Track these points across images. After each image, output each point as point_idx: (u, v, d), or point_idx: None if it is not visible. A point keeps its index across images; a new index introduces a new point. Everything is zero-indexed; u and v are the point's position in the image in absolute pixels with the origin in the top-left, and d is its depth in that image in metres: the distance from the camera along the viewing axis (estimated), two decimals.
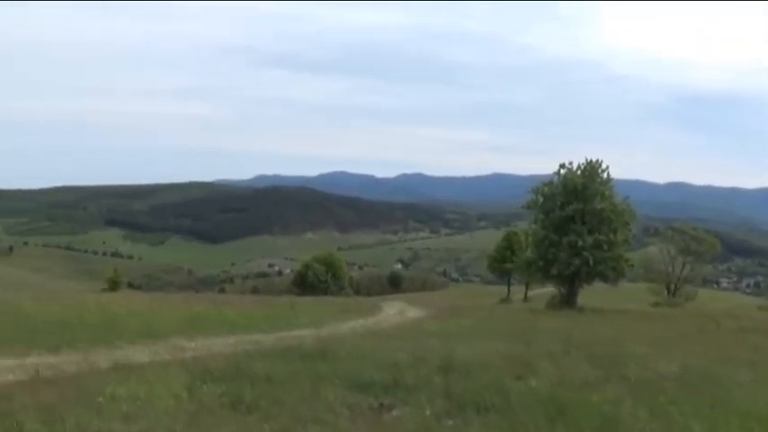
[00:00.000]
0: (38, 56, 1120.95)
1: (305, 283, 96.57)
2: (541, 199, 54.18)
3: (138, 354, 19.17)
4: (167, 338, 23.01)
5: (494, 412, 12.19)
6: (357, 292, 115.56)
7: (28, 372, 15.02)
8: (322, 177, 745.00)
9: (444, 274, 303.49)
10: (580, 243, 50.63)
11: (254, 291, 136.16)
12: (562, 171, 53.74)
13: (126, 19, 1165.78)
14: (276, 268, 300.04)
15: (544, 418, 11.80)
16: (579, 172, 52.93)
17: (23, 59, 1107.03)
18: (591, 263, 50.99)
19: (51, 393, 12.29)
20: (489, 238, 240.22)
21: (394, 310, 46.26)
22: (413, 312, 45.21)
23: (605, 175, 53.30)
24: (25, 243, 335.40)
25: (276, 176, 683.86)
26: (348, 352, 18.54)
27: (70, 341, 20.17)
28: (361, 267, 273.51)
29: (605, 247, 51.12)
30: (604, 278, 53.75)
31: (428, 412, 12.05)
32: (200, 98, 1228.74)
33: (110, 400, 11.79)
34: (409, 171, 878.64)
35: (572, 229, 51.49)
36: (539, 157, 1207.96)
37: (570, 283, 53.92)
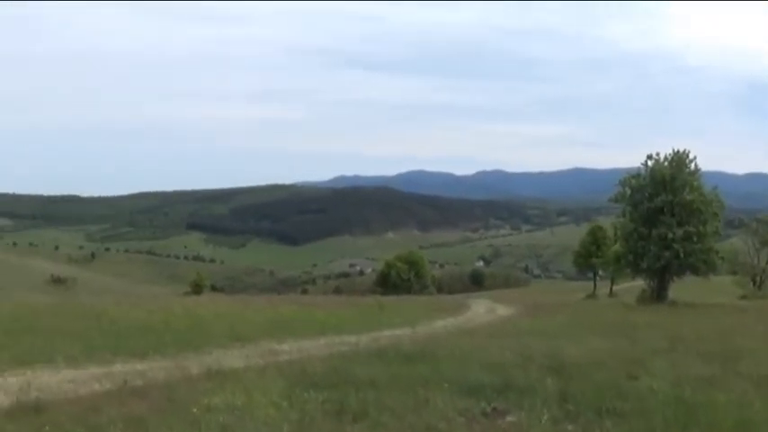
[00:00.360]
0: (118, 64, 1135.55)
1: (388, 283, 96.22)
2: (629, 191, 52.90)
3: (229, 358, 18.49)
4: (256, 341, 22.51)
5: (615, 416, 11.13)
6: (439, 290, 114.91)
7: (115, 381, 14.30)
8: (401, 177, 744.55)
9: (526, 270, 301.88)
10: (670, 235, 49.38)
11: (337, 291, 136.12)
12: (649, 162, 52.38)
13: (203, 24, 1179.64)
14: (358, 268, 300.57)
15: (674, 421, 10.65)
16: (666, 163, 51.50)
17: (105, 68, 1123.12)
18: (681, 255, 49.73)
19: (141, 404, 11.49)
20: (570, 234, 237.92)
21: (482, 309, 45.62)
22: (501, 310, 44.49)
23: (693, 165, 51.91)
24: (107, 249, 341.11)
25: (355, 177, 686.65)
26: (448, 352, 17.61)
27: (157, 347, 19.53)
28: (442, 266, 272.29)
29: (695, 239, 49.76)
30: (695, 271, 52.37)
31: (545, 417, 10.97)
32: (280, 101, 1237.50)
33: (205, 410, 10.89)
34: (488, 168, 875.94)
35: (661, 221, 50.18)
36: (618, 151, 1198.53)
37: (660, 276, 52.44)
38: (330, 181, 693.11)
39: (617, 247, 61.74)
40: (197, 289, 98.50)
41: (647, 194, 51.47)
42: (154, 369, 16.24)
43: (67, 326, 23.13)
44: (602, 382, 13.46)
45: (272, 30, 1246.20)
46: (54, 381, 14.58)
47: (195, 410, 10.79)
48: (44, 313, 26.64)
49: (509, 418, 11.19)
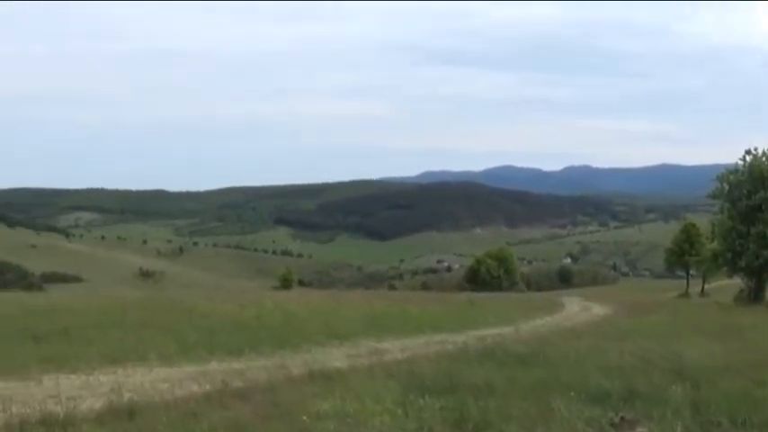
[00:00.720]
0: (208, 62, 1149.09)
1: (477, 279, 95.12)
2: (727, 187, 50.93)
3: (329, 358, 17.78)
4: (353, 339, 21.86)
5: (753, 428, 9.88)
6: (527, 287, 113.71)
7: (213, 381, 13.42)
8: (488, 172, 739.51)
9: (614, 268, 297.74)
10: None
11: (424, 287, 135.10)
12: (747, 158, 50.35)
13: (293, 22, 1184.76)
14: (445, 264, 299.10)
15: None
16: (765, 159, 49.48)
17: (194, 66, 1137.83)
18: None
19: (244, 409, 10.52)
20: (658, 231, 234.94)
21: (576, 307, 44.79)
22: (596, 309, 43.50)
23: None
24: (195, 243, 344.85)
25: (442, 172, 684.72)
26: (561, 355, 16.40)
27: (253, 344, 18.85)
28: (530, 262, 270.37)
29: None
30: None
31: (678, 429, 9.77)
32: (368, 97, 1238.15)
33: (315, 418, 9.85)
34: (576, 163, 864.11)
35: (760, 218, 48.26)
36: (706, 147, 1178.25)
37: (758, 275, 50.51)
38: (417, 176, 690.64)
39: (714, 245, 59.85)
40: (286, 283, 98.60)
41: (745, 191, 49.52)
42: (252, 369, 15.44)
43: (158, 321, 22.55)
44: (732, 390, 12.16)
45: (361, 27, 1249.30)
46: (147, 380, 13.86)
47: (305, 418, 9.77)
48: (134, 307, 26.08)
49: (639, 430, 10.09)
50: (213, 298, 33.58)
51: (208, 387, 13.01)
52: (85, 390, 12.63)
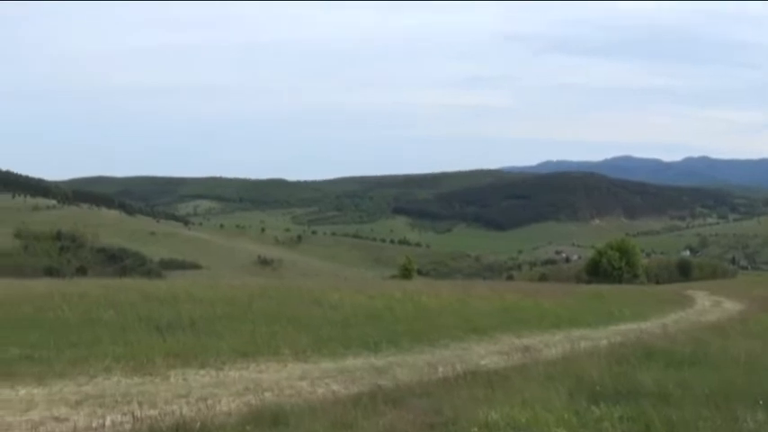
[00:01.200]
0: (325, 54, 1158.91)
1: (598, 271, 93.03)
2: None
3: (471, 354, 16.91)
4: (491, 334, 20.75)
5: None
6: (648, 279, 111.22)
7: (355, 379, 12.30)
8: (607, 162, 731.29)
9: (733, 261, 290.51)
10: None
11: (542, 278, 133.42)
12: None
13: (411, 13, 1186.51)
14: (563, 255, 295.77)
15: None
16: None
17: (311, 57, 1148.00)
18: None
19: (403, 417, 9.20)
20: None
21: (707, 301, 43.29)
22: (728, 304, 41.41)
23: None
24: (314, 232, 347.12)
25: (561, 162, 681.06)
26: (727, 356, 14.82)
27: (390, 338, 17.94)
28: (648, 254, 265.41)
29: None
30: None
31: None
32: (486, 87, 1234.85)
33: (485, 428, 8.57)
34: (695, 154, 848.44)
35: None
36: None
37: None
38: (536, 166, 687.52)
39: None
40: (406, 273, 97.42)
41: None
42: (393, 365, 14.52)
43: (288, 312, 21.58)
44: None
45: (478, 17, 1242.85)
46: (282, 377, 12.95)
47: (475, 430, 8.46)
48: (260, 297, 25.05)
49: None
50: (340, 287, 32.43)
51: (351, 387, 12.12)
52: (218, 388, 11.70)
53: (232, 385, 11.83)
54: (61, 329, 15.91)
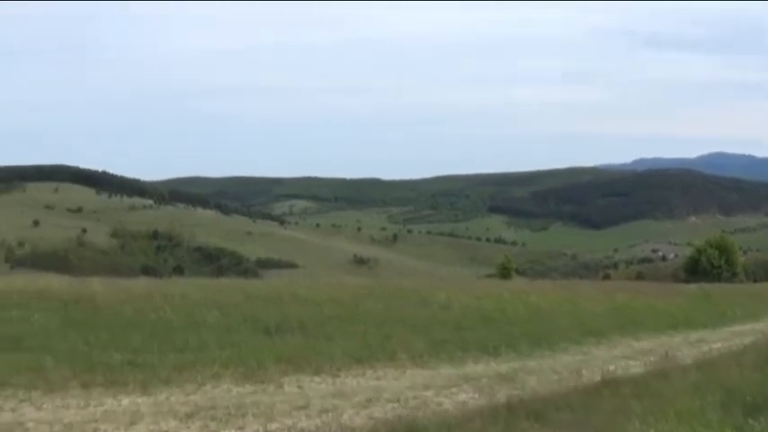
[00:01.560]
0: (423, 51, 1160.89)
1: (697, 269, 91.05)
2: None
3: (595, 359, 16.23)
4: (609, 336, 20.06)
5: None
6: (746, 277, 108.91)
7: (488, 391, 11.34)
8: (701, 159, 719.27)
9: None
10: None
11: (639, 276, 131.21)
12: None
13: (504, 8, 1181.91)
14: (660, 253, 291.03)
15: None
16: None
17: (410, 55, 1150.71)
18: None
19: None
20: None
21: None
22: None
23: None
24: (409, 231, 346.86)
25: (655, 159, 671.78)
26: None
27: (508, 341, 17.07)
28: (745, 252, 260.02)
29: None
30: None
31: None
32: (581, 83, 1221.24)
33: None
34: None
35: None
36: None
37: None
38: (631, 163, 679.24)
39: None
40: (504, 272, 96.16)
41: None
42: (517, 372, 13.71)
43: (395, 312, 20.72)
44: None
45: (574, 12, 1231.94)
46: (404, 385, 12.12)
47: None
48: (365, 297, 24.22)
49: None
50: (447, 287, 31.51)
51: (478, 396, 11.22)
52: (338, 398, 10.84)
53: (352, 395, 11.00)
54: (164, 332, 15.10)
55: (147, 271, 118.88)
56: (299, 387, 11.53)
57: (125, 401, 10.18)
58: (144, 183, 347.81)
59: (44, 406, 9.79)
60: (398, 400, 10.67)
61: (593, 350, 17.64)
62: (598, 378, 12.80)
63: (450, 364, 14.04)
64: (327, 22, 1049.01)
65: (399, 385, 11.96)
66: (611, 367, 14.46)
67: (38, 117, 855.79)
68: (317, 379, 12.17)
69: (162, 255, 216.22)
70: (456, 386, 11.98)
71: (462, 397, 11.18)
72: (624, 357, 16.41)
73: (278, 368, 12.46)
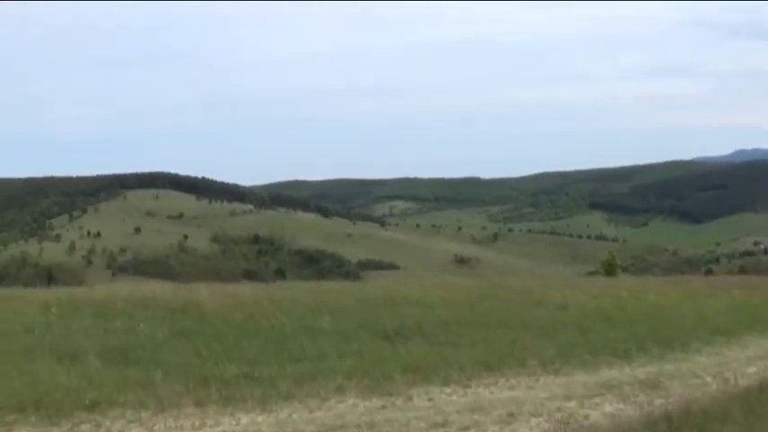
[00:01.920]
0: (513, 48, 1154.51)
1: None
2: None
3: (736, 362, 14.87)
4: (738, 336, 18.58)
5: None
6: None
7: (634, 400, 10.39)
8: None
9: None
10: None
11: (741, 270, 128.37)
12: None
13: (592, 4, 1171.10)
14: (762, 246, 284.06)
15: None
16: None
17: (505, 53, 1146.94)
18: None
19: None
20: None
21: None
22: None
23: None
24: (510, 230, 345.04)
25: (755, 150, 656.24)
26: None
27: (636, 343, 15.93)
28: None
29: None
30: None
31: None
32: (673, 76, 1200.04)
33: None
34: None
35: None
36: None
37: None
38: (730, 155, 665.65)
39: None
40: (609, 269, 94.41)
41: None
42: (657, 377, 12.67)
43: (513, 314, 19.71)
44: None
45: (660, 6, 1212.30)
46: (542, 396, 11.15)
47: None
48: (478, 298, 23.34)
49: None
50: (561, 287, 30.46)
51: (625, 406, 10.36)
52: (476, 413, 9.88)
53: (491, 409, 10.06)
54: (278, 340, 14.42)
55: (250, 275, 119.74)
56: (430, 400, 10.67)
57: (244, 420, 9.50)
58: (243, 188, 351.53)
59: (155, 428, 9.12)
60: (542, 414, 9.77)
61: (726, 351, 16.43)
62: (744, 382, 11.88)
63: (583, 370, 13.09)
64: (417, 23, 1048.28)
65: (537, 396, 11.04)
66: (752, 369, 13.57)
67: (137, 125, 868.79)
68: (447, 390, 11.29)
69: (263, 258, 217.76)
70: (598, 395, 11.07)
71: (608, 408, 10.27)
72: (759, 358, 15.28)
73: (405, 379, 11.64)
